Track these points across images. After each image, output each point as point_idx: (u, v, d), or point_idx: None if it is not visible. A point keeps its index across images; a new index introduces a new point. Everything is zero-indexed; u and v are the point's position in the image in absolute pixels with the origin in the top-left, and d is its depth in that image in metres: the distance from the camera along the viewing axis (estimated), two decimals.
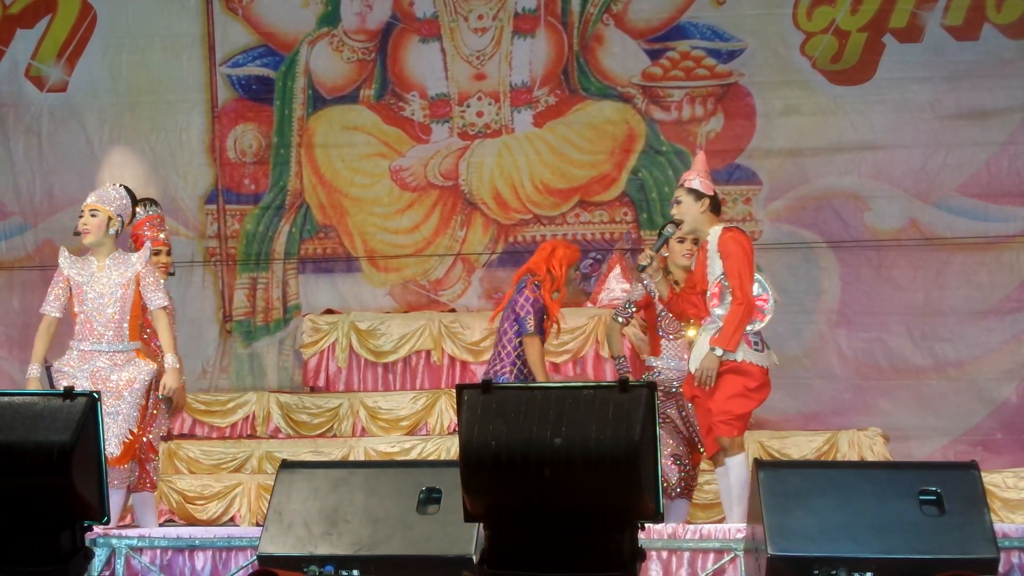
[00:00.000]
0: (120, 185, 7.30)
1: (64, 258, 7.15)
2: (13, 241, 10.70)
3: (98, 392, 5.32)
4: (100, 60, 10.71)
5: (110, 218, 7.11)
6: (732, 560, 6.15)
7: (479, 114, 10.34)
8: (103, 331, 7.07)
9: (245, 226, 10.39)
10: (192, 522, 8.63)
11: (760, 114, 10.01)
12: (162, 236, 7.61)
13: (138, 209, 7.36)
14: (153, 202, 7.59)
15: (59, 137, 10.72)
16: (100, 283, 7.09)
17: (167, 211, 8.50)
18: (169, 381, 7.05)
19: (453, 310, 10.06)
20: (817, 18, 10.00)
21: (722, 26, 10.08)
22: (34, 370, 7.21)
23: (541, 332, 7.34)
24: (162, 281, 7.20)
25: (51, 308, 7.15)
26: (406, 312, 10.10)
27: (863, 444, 8.87)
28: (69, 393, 5.15)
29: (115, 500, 6.94)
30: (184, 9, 10.61)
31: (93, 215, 7.09)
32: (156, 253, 7.39)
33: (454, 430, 8.66)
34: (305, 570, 5.12)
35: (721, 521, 7.89)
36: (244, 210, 10.47)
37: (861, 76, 9.94)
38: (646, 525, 4.80)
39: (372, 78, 10.47)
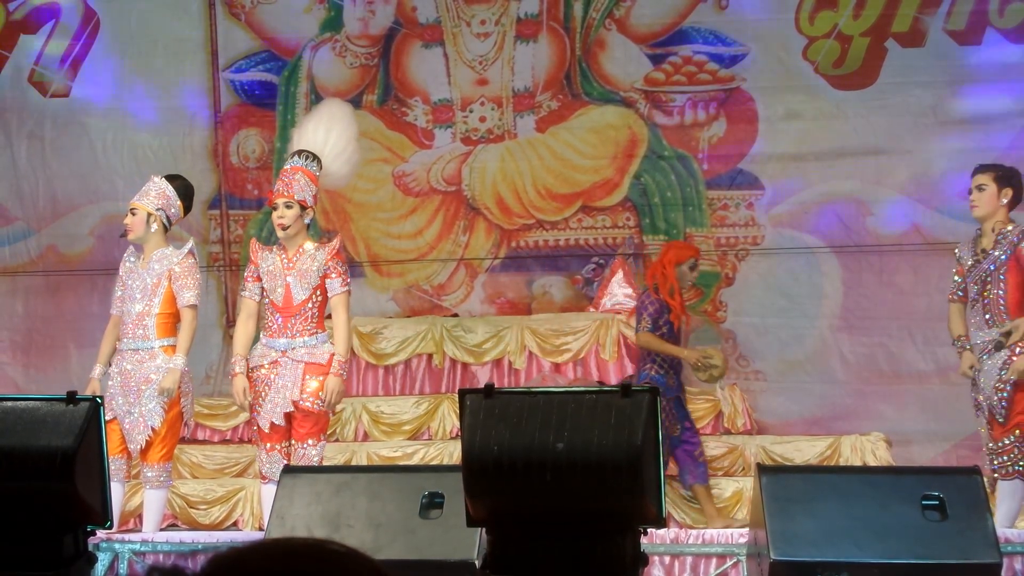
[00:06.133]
0: (164, 178, 7.35)
1: (126, 255, 7.28)
2: (17, 246, 10.69)
3: (101, 397, 5.33)
4: (103, 65, 10.71)
5: (149, 214, 7.21)
6: (735, 565, 6.16)
7: (482, 119, 10.33)
8: (133, 328, 7.15)
9: (248, 231, 10.38)
10: (195, 527, 8.63)
11: (762, 119, 10.00)
12: (290, 185, 7.08)
13: (295, 159, 7.20)
14: (303, 155, 7.18)
15: (62, 142, 10.72)
16: (138, 280, 7.18)
17: None
18: (163, 380, 7.07)
19: (456, 315, 10.06)
20: (819, 23, 9.99)
21: (724, 31, 10.07)
22: (96, 371, 7.26)
23: (654, 329, 8.41)
24: (198, 278, 7.21)
25: (112, 307, 7.26)
26: (408, 317, 10.09)
27: (865, 449, 8.87)
28: (72, 398, 5.16)
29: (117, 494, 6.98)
30: (187, 14, 10.60)
31: (133, 213, 7.24)
32: (274, 208, 7.12)
33: (456, 435, 8.67)
34: None
35: (727, 526, 7.90)
36: (247, 215, 10.47)
37: (863, 81, 9.93)
38: (649, 530, 4.81)
39: (375, 83, 10.46)
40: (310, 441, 7.03)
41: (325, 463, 7.74)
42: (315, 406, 7.02)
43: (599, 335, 9.37)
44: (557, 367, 9.40)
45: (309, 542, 1.76)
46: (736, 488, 8.53)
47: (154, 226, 7.23)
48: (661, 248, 9.11)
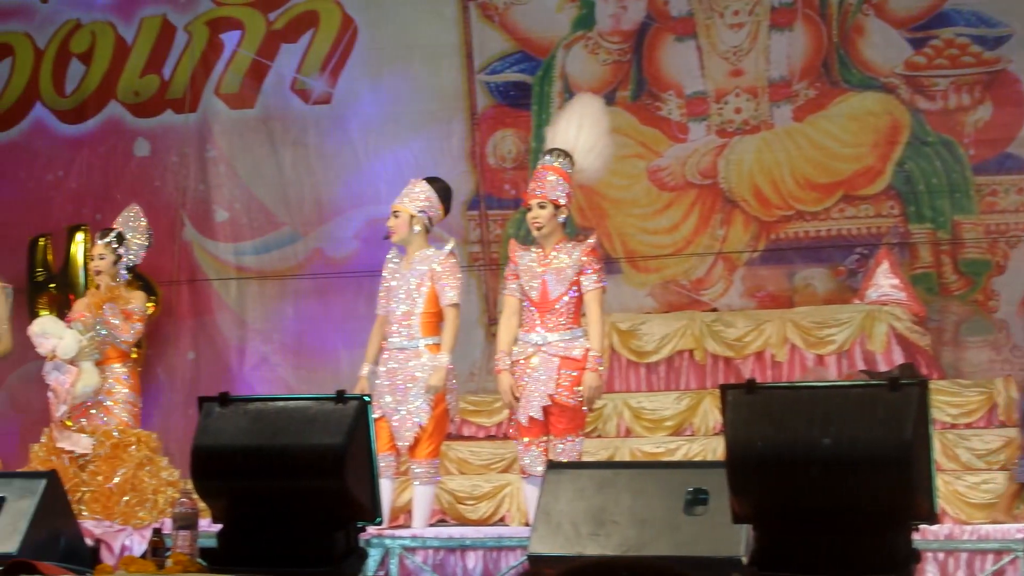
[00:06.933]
0: (424, 180, 7.53)
1: (390, 256, 7.46)
2: (284, 251, 11.02)
3: (369, 395, 5.45)
4: (362, 72, 10.95)
5: (412, 216, 7.39)
6: (1012, 561, 5.97)
7: (737, 110, 10.24)
8: (398, 327, 7.33)
9: (507, 231, 10.49)
10: (463, 522, 8.76)
11: None
12: (542, 185, 7.19)
13: (546, 158, 7.33)
14: (555, 153, 7.30)
15: (325, 148, 10.99)
16: (401, 280, 7.36)
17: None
18: (430, 378, 7.22)
19: (715, 309, 9.97)
20: None
21: (987, 12, 9.77)
22: (363, 370, 7.48)
23: None
24: (460, 277, 7.35)
25: (377, 308, 7.46)
26: (667, 312, 10.05)
27: None
28: (341, 396, 5.28)
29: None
30: (442, 19, 10.77)
31: (396, 215, 7.43)
32: (528, 208, 7.26)
33: (720, 431, 8.60)
34: None
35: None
36: (505, 215, 10.58)
37: None
38: (921, 526, 4.71)
39: (628, 79, 10.46)
40: (568, 437, 7.09)
41: (586, 459, 7.78)
42: (571, 401, 7.07)
43: (866, 326, 9.18)
44: (820, 359, 9.25)
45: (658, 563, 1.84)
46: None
47: (416, 228, 7.40)
48: None
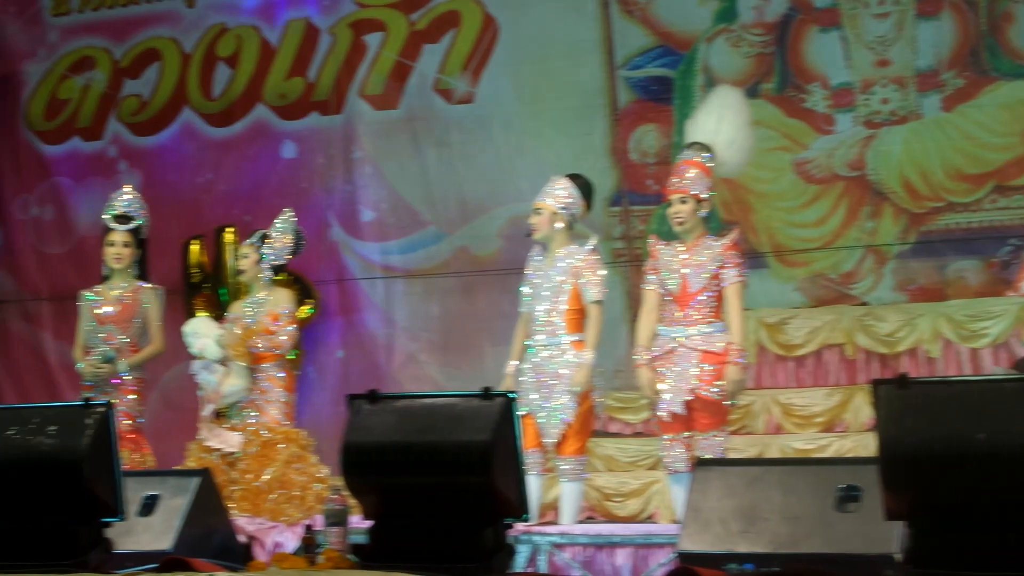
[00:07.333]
0: (567, 176, 7.56)
1: (532, 253, 7.51)
2: (430, 250, 11.11)
3: (514, 392, 5.46)
4: (504, 70, 11.00)
5: (554, 213, 7.42)
6: None
7: (884, 101, 10.10)
8: (541, 326, 7.36)
9: (649, 226, 10.46)
10: (612, 519, 8.76)
11: None
12: (682, 180, 7.22)
13: (686, 152, 7.38)
14: (695, 147, 7.33)
15: (468, 147, 11.06)
16: (544, 278, 7.39)
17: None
18: (575, 376, 7.24)
19: (865, 303, 9.85)
20: None
21: None
22: (509, 367, 7.54)
23: None
24: (602, 274, 7.36)
25: (521, 305, 7.52)
26: (815, 307, 9.95)
27: None
28: (487, 393, 5.30)
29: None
30: (582, 16, 10.77)
31: (538, 212, 7.46)
32: (669, 204, 7.25)
33: (872, 426, 8.48)
34: (725, 568, 5.11)
35: None
36: (648, 211, 10.54)
37: None
38: None
39: (772, 71, 10.38)
40: (712, 432, 7.05)
41: (734, 455, 7.72)
42: (713, 395, 7.02)
43: (1021, 319, 9.00)
44: (974, 353, 9.09)
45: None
46: None
47: (559, 224, 7.42)
48: None
